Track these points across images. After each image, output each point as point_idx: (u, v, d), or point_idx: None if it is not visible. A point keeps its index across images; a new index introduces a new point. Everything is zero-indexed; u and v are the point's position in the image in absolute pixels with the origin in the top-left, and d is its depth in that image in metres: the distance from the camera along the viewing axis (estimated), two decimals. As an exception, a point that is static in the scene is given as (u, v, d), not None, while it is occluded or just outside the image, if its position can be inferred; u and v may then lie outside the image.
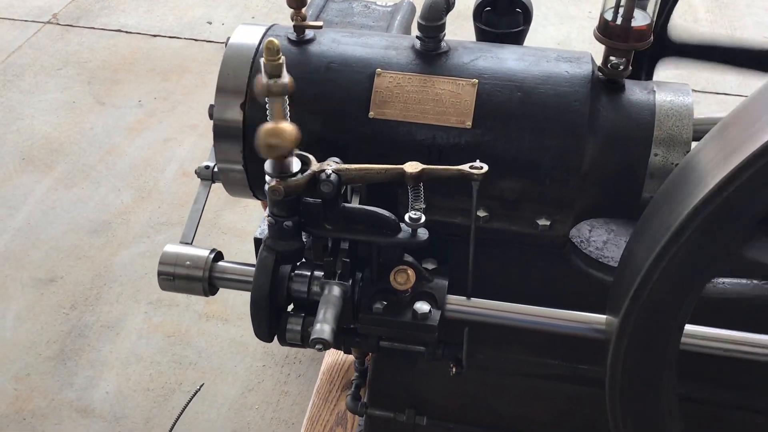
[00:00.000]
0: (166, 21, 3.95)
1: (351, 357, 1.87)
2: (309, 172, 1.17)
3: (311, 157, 1.19)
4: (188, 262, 1.35)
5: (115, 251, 2.69)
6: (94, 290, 2.54)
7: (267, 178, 1.17)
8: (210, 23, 3.94)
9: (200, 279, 1.35)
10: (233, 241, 2.72)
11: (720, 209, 0.93)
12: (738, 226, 0.95)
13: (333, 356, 1.94)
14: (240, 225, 2.81)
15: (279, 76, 1.09)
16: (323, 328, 1.14)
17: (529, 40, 1.65)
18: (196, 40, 3.82)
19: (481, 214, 1.31)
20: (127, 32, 3.84)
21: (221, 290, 2.59)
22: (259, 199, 1.50)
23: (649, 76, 1.75)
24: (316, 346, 1.14)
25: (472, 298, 1.28)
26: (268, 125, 1.09)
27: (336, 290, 1.21)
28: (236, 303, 2.49)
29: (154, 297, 2.52)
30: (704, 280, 1.01)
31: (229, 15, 4.01)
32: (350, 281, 1.24)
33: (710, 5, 4.09)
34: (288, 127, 1.09)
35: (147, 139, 3.19)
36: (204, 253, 1.36)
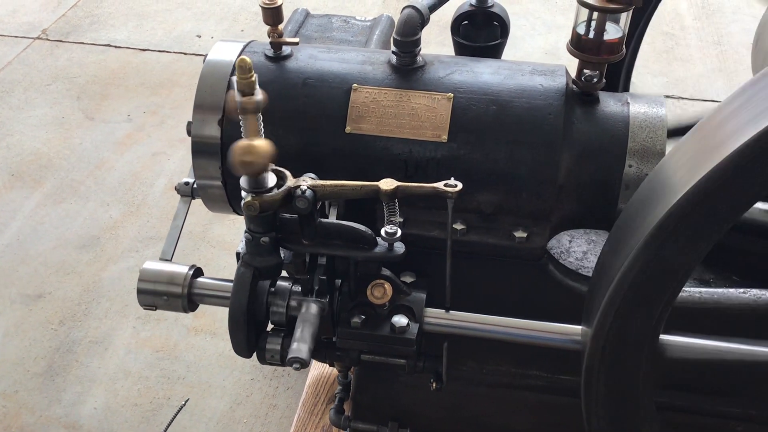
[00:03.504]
0: (155, 35, 3.96)
1: (336, 370, 1.87)
2: (284, 187, 1.18)
3: (287, 172, 1.20)
4: (167, 279, 1.35)
5: (104, 266, 2.69)
6: (82, 306, 2.54)
7: (243, 193, 1.18)
8: (199, 37, 3.95)
9: (179, 296, 1.36)
10: (222, 255, 2.72)
11: (687, 219, 0.93)
12: (706, 236, 0.96)
13: (318, 369, 1.94)
14: (229, 238, 2.81)
15: (252, 93, 1.10)
16: (300, 347, 1.15)
17: (517, 50, 1.66)
18: (185, 54, 3.83)
19: (459, 227, 1.32)
20: (116, 47, 3.85)
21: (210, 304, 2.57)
22: (239, 214, 1.50)
23: (629, 73, 1.78)
24: (294, 365, 1.14)
25: (451, 311, 1.28)
26: (241, 143, 1.10)
27: (313, 308, 1.22)
28: (224, 317, 2.47)
29: (142, 312, 2.52)
30: (676, 289, 1.02)
31: (219, 29, 4.02)
32: (327, 298, 1.24)
33: (697, 13, 4.11)
34: (262, 143, 1.10)
35: (136, 154, 3.20)
36: (183, 269, 1.37)
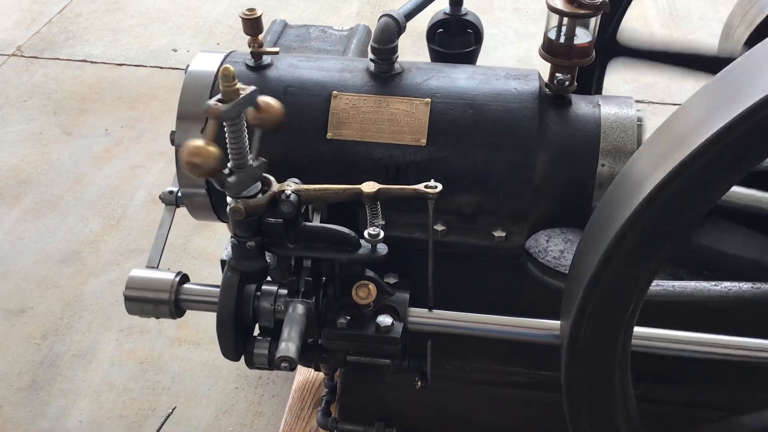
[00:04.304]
0: (131, 50, 3.97)
1: (322, 374, 1.90)
2: (269, 192, 1.21)
3: (271, 178, 1.23)
4: (154, 286, 1.38)
5: (85, 280, 2.69)
6: (64, 320, 2.54)
7: (228, 199, 1.21)
8: (175, 51, 3.97)
9: (166, 302, 1.38)
10: (204, 265, 2.74)
11: (653, 215, 0.98)
12: (673, 230, 1.00)
13: (304, 374, 1.96)
14: (210, 249, 2.82)
15: (232, 100, 1.12)
16: (288, 346, 1.17)
17: (490, 59, 1.72)
18: (161, 67, 3.85)
19: (439, 228, 1.35)
20: (92, 62, 3.86)
21: (193, 315, 2.60)
22: (223, 222, 1.53)
23: (600, 76, 1.84)
24: (282, 365, 1.17)
25: (434, 310, 1.31)
26: (190, 143, 1.10)
27: (300, 308, 1.24)
28: (208, 327, 2.50)
29: (125, 324, 2.53)
30: (648, 281, 1.06)
31: (194, 42, 4.04)
32: (314, 298, 1.27)
33: (665, 20, 4.20)
34: (211, 147, 1.09)
35: (115, 168, 3.20)
36: (170, 276, 1.39)
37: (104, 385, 2.35)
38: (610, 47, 1.81)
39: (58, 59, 3.88)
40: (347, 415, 1.60)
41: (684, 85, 3.74)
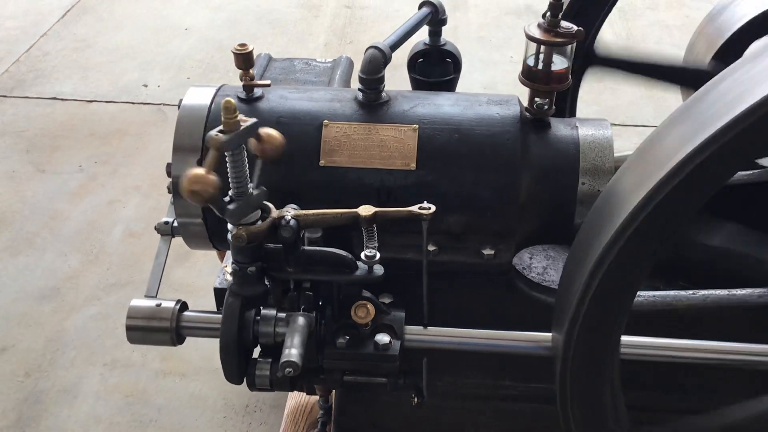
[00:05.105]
0: (101, 86, 3.99)
1: (314, 398, 1.93)
2: (269, 218, 1.26)
3: (270, 205, 1.28)
4: (155, 315, 1.41)
5: (66, 316, 2.69)
6: (47, 356, 2.54)
7: (229, 226, 1.25)
8: (146, 86, 4.00)
9: (168, 330, 1.41)
10: (185, 297, 2.71)
11: (638, 229, 1.05)
12: (657, 243, 1.07)
13: (296, 399, 1.99)
14: (189, 281, 2.84)
15: (231, 131, 1.17)
16: (291, 352, 1.21)
17: (458, 86, 1.79)
18: (132, 103, 3.87)
19: (431, 248, 1.41)
20: (63, 99, 3.87)
21: (177, 347, 2.61)
22: (217, 250, 1.57)
23: (576, 86, 1.94)
24: (286, 370, 1.20)
25: (429, 327, 1.37)
26: (192, 171, 1.14)
27: (301, 320, 1.28)
28: (192, 358, 2.52)
29: (109, 358, 2.53)
30: (633, 291, 1.13)
31: (164, 77, 4.08)
32: (314, 313, 1.31)
33: (622, 44, 4.36)
34: (211, 176, 1.15)
35: (91, 203, 3.21)
36: (170, 304, 1.42)
37: (91, 420, 2.34)
38: (587, 57, 1.91)
39: (28, 97, 3.89)
40: (343, 435, 1.64)
41: (644, 108, 3.89)
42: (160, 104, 3.86)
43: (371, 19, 4.65)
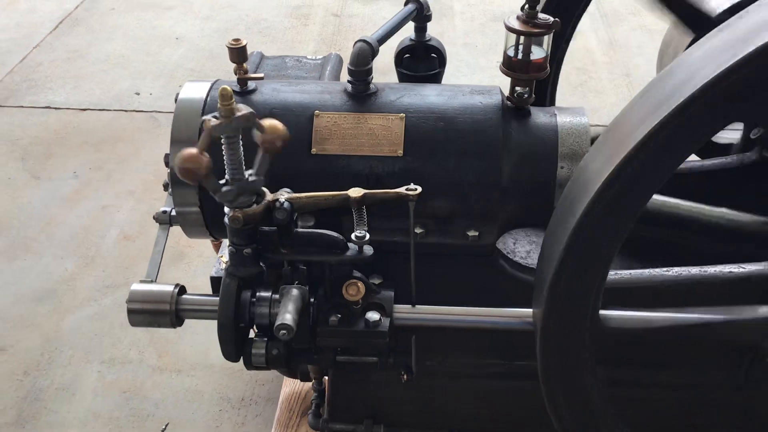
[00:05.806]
0: (93, 95, 4.06)
1: (308, 385, 1.99)
2: (264, 201, 1.33)
3: (265, 189, 1.35)
4: (155, 298, 1.47)
5: (63, 317, 2.74)
6: (45, 355, 2.59)
7: (226, 209, 1.32)
8: (138, 94, 4.07)
9: (167, 312, 1.47)
10: (180, 297, 2.80)
11: (606, 205, 1.12)
12: (625, 216, 1.14)
13: (291, 386, 2.05)
14: (184, 281, 2.87)
15: (228, 117, 1.24)
16: (285, 316, 1.27)
17: (444, 85, 1.87)
18: (125, 110, 3.94)
19: (418, 230, 1.48)
20: (56, 108, 3.93)
21: (173, 343, 2.66)
22: (214, 238, 1.63)
23: (555, 76, 2.00)
24: (281, 332, 1.26)
25: (417, 305, 1.43)
26: (186, 150, 1.21)
27: (295, 291, 1.34)
28: (187, 354, 2.57)
29: (106, 356, 2.58)
30: (606, 263, 1.20)
31: (156, 85, 4.14)
32: (307, 286, 1.37)
33: (605, 49, 4.46)
34: (203, 156, 1.22)
35: (85, 208, 3.27)
36: (169, 288, 1.49)
37: (90, 416, 2.39)
38: (562, 59, 1.99)
39: (22, 107, 3.94)
40: (337, 415, 1.70)
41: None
42: (152, 111, 3.93)
43: (359, 27, 4.73)
